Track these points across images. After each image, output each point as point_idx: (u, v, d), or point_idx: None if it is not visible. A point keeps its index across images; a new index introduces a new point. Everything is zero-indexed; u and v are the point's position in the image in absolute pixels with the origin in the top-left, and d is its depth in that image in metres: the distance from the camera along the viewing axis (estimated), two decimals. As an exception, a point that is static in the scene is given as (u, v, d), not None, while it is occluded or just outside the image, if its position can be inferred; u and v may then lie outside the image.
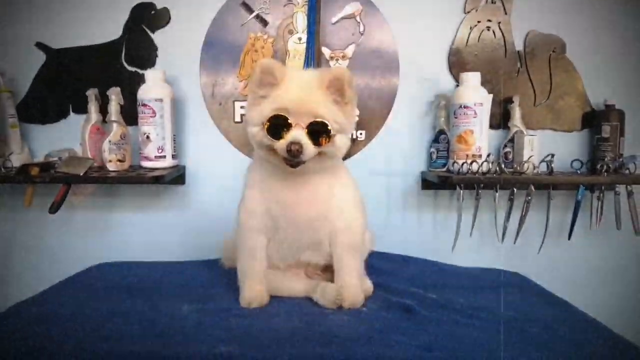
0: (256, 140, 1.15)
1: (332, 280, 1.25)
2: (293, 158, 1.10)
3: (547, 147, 1.72)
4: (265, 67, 1.12)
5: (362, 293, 1.22)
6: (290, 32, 1.81)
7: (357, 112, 1.48)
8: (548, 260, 1.78)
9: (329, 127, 1.11)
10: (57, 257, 1.82)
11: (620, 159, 1.70)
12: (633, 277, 1.86)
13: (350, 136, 1.20)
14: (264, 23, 1.81)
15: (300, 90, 1.11)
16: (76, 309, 1.17)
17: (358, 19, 1.81)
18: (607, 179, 1.67)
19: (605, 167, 1.66)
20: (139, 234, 1.85)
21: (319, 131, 1.11)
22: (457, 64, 1.81)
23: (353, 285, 1.21)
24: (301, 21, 1.80)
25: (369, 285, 1.30)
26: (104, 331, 1.03)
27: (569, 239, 1.77)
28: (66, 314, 1.13)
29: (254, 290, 1.21)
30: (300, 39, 1.80)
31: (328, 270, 1.28)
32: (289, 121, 1.10)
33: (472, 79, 1.68)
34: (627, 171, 1.66)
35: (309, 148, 1.10)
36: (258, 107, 1.13)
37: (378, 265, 1.46)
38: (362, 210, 1.29)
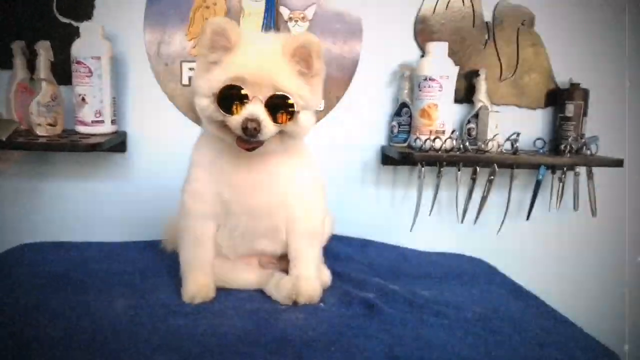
0: (205, 114, 1.00)
1: (287, 271, 1.14)
2: (249, 137, 0.96)
3: (510, 124, 1.67)
4: (217, 27, 0.96)
5: (320, 286, 1.12)
6: (246, -12, 1.65)
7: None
8: (507, 241, 1.74)
9: (292, 103, 0.97)
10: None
11: (582, 140, 1.66)
12: (588, 261, 1.85)
13: (315, 113, 1.06)
14: (217, -24, 1.64)
15: (260, 57, 0.97)
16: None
17: (320, -23, 1.67)
18: (568, 159, 1.63)
19: (568, 147, 1.62)
20: (74, 208, 1.69)
21: (280, 107, 0.96)
22: (424, 32, 1.71)
23: (310, 278, 1.10)
24: (259, -23, 1.64)
25: (327, 275, 1.20)
26: (21, 333, 0.88)
27: (527, 219, 1.74)
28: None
29: (198, 283, 1.08)
30: (257, -4, 1.65)
31: (284, 259, 1.16)
32: (244, 93, 0.95)
33: (438, 49, 1.59)
34: (588, 152, 1.62)
35: (268, 126, 0.96)
36: (208, 75, 0.98)
37: (336, 249, 1.37)
38: (322, 194, 1.17)
